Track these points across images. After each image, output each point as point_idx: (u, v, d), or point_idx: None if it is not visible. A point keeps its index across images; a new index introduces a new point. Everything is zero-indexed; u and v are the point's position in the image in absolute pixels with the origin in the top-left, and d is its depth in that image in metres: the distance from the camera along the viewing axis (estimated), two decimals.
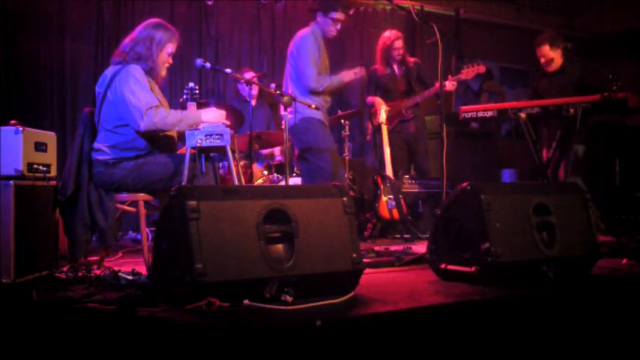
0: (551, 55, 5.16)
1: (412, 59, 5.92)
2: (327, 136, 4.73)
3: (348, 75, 4.74)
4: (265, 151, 5.81)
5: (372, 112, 5.80)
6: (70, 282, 2.97)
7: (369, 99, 5.84)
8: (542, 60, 5.23)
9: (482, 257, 2.83)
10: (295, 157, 5.10)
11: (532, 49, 5.34)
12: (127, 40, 3.54)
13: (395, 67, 5.80)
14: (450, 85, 5.48)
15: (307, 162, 4.72)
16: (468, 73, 5.51)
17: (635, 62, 7.83)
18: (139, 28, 3.55)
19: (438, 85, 5.39)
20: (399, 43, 5.70)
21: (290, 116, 4.38)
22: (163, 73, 3.60)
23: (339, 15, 4.66)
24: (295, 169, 5.45)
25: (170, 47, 3.55)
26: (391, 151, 5.88)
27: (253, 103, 4.73)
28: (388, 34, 5.76)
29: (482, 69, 5.51)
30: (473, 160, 7.62)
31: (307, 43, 4.64)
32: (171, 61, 3.61)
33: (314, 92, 4.62)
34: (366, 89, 6.07)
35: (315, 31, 4.71)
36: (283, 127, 4.17)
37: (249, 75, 5.58)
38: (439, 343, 2.32)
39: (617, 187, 4.74)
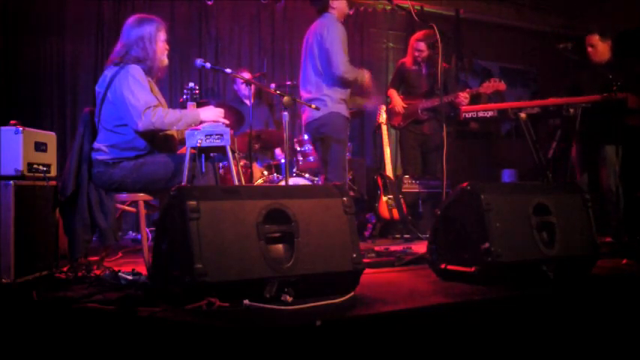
0: (601, 46, 4.99)
1: (446, 65, 5.68)
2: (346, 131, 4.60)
3: (366, 75, 4.57)
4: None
5: (390, 108, 5.80)
6: (70, 282, 2.98)
7: (390, 92, 5.84)
8: (590, 49, 5.04)
9: (482, 257, 2.83)
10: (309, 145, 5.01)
11: (532, 49, 5.30)
12: (117, 48, 3.50)
13: (423, 66, 5.73)
14: (464, 97, 5.43)
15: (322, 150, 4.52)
16: (488, 87, 5.46)
17: (635, 62, 7.82)
18: (124, 33, 3.50)
19: (461, 94, 5.43)
20: (421, 46, 5.60)
21: (314, 109, 4.21)
22: (165, 61, 3.57)
23: None
24: (295, 169, 5.44)
25: (162, 35, 3.53)
26: (404, 150, 5.87)
27: (251, 102, 4.72)
28: (418, 33, 5.67)
29: (502, 86, 5.43)
30: (473, 160, 7.63)
31: (336, 27, 4.42)
32: (168, 46, 3.59)
33: (342, 80, 4.43)
34: (391, 79, 6.07)
35: (335, 18, 4.51)
36: (284, 126, 4.12)
37: (245, 76, 5.57)
38: (439, 343, 2.32)
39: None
